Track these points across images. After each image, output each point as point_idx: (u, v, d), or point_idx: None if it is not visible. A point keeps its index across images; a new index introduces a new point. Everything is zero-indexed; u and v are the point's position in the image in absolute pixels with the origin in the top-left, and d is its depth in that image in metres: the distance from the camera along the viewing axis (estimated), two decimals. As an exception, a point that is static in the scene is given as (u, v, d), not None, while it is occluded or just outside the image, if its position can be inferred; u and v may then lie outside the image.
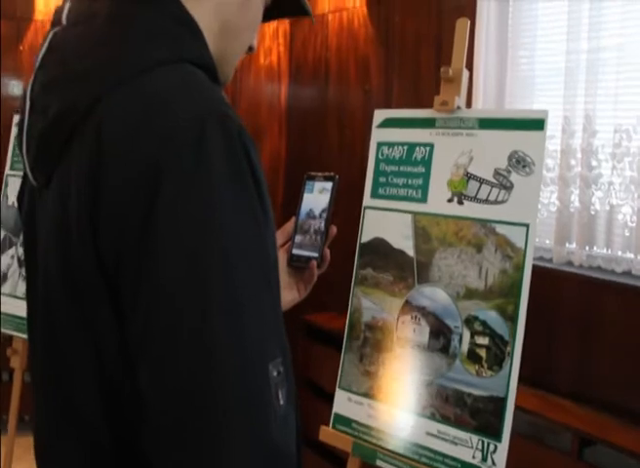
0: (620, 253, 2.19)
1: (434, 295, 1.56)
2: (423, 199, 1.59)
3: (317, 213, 1.14)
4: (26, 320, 0.86)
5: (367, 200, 1.68)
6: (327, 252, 1.12)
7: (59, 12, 0.80)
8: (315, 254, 1.11)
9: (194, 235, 0.66)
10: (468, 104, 1.82)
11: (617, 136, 2.14)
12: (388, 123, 1.66)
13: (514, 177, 1.47)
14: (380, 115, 1.67)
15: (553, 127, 2.26)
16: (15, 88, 3.85)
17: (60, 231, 0.73)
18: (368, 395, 1.63)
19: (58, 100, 0.73)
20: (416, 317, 1.59)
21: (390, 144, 1.65)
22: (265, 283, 0.71)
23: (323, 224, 1.13)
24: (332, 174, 1.16)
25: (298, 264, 1.13)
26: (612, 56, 2.19)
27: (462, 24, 1.49)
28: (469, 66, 1.97)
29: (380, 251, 1.65)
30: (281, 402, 0.68)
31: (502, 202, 1.49)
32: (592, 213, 2.22)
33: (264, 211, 0.71)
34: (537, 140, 1.45)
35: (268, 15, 0.92)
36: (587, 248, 2.24)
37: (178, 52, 0.75)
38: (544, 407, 2.14)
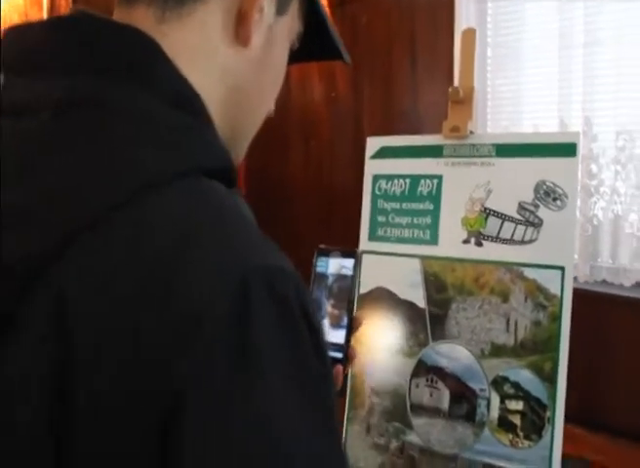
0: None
1: (453, 354, 1.33)
2: (433, 240, 1.35)
3: (335, 298, 0.89)
4: None
5: (364, 243, 1.43)
6: (353, 349, 0.88)
7: None
8: (338, 355, 0.86)
9: None
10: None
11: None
12: (385, 152, 1.42)
13: (543, 212, 1.24)
14: (373, 144, 1.42)
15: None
16: None
17: None
18: (379, 471, 1.39)
19: (10, 240, 0.45)
20: (432, 379, 1.35)
21: (389, 177, 1.40)
22: None
23: (345, 315, 0.88)
24: (352, 249, 0.91)
25: None
26: (609, 51, 1.99)
27: (469, 36, 1.25)
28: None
29: (384, 303, 1.40)
30: None
31: (531, 241, 1.26)
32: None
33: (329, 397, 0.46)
34: (568, 168, 1.23)
35: (293, 57, 0.67)
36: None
37: (188, 159, 0.48)
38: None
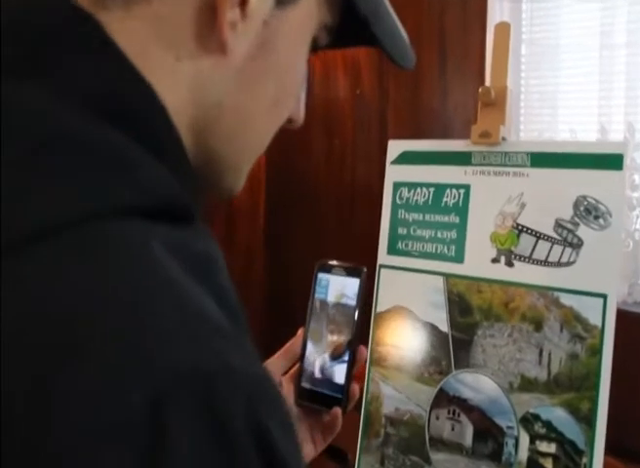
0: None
1: (478, 385, 1.19)
2: (459, 258, 1.21)
3: (337, 325, 0.76)
4: None
5: (382, 257, 1.30)
6: (355, 388, 0.75)
7: None
8: (338, 395, 0.74)
9: None
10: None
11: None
12: (407, 157, 1.28)
13: (583, 232, 1.10)
14: (395, 147, 1.29)
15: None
16: None
17: None
18: (393, 506, 1.27)
19: None
20: (454, 411, 1.22)
21: (411, 185, 1.27)
22: None
23: (346, 345, 0.75)
24: (357, 265, 0.78)
25: (310, 405, 0.76)
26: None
27: (503, 30, 1.11)
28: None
29: (403, 323, 1.27)
30: None
31: (568, 264, 1.12)
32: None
33: None
34: (612, 183, 1.08)
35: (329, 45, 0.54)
36: None
37: (96, 197, 0.34)
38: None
